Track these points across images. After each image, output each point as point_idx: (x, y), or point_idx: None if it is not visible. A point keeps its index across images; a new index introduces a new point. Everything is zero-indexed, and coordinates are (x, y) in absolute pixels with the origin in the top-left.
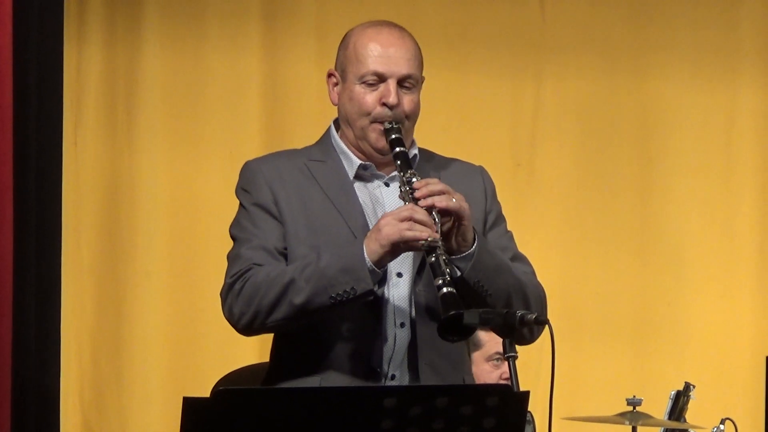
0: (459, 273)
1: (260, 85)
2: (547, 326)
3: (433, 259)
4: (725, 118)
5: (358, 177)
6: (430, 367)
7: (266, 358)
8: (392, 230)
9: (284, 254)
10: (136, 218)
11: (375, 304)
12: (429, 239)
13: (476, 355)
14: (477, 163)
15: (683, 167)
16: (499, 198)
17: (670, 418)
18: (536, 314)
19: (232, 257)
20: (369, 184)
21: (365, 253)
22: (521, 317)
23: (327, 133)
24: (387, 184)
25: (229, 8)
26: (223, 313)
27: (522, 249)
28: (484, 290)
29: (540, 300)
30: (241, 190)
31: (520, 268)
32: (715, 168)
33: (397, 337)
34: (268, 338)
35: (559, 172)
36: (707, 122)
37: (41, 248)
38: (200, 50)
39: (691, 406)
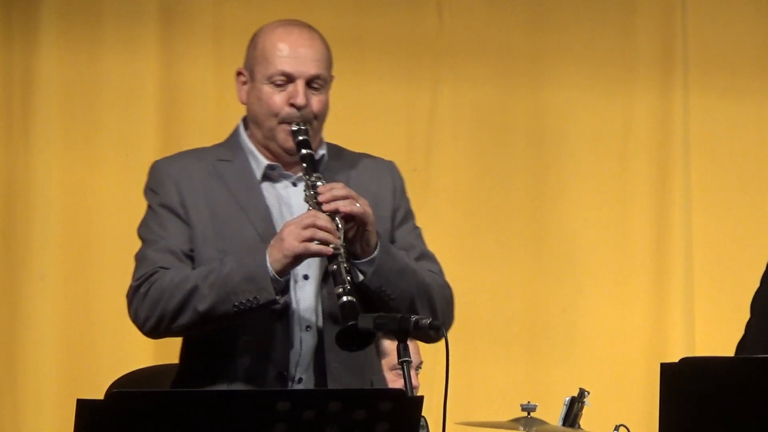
0: (361, 277)
1: (156, 88)
2: (441, 331)
3: (334, 267)
4: (621, 125)
5: (266, 177)
6: (337, 369)
7: (161, 361)
8: (295, 242)
9: (191, 256)
10: (30, 220)
11: (282, 308)
12: (331, 246)
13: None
14: None
15: (579, 174)
16: None
17: (564, 424)
18: (430, 319)
19: (138, 259)
20: (276, 185)
21: (268, 262)
22: (416, 322)
23: (236, 132)
24: (295, 184)
25: (126, 10)
26: (129, 315)
27: None
28: (387, 295)
29: (446, 301)
30: (149, 190)
31: (427, 267)
32: (611, 175)
33: (303, 341)
34: (163, 341)
35: (455, 177)
36: (603, 129)
37: None
38: (96, 52)
39: (586, 412)
